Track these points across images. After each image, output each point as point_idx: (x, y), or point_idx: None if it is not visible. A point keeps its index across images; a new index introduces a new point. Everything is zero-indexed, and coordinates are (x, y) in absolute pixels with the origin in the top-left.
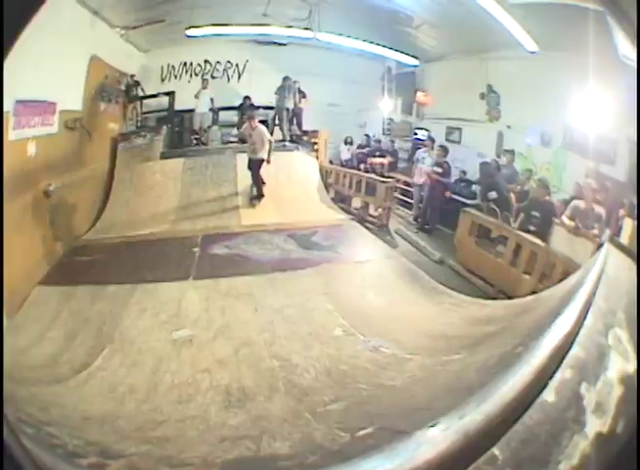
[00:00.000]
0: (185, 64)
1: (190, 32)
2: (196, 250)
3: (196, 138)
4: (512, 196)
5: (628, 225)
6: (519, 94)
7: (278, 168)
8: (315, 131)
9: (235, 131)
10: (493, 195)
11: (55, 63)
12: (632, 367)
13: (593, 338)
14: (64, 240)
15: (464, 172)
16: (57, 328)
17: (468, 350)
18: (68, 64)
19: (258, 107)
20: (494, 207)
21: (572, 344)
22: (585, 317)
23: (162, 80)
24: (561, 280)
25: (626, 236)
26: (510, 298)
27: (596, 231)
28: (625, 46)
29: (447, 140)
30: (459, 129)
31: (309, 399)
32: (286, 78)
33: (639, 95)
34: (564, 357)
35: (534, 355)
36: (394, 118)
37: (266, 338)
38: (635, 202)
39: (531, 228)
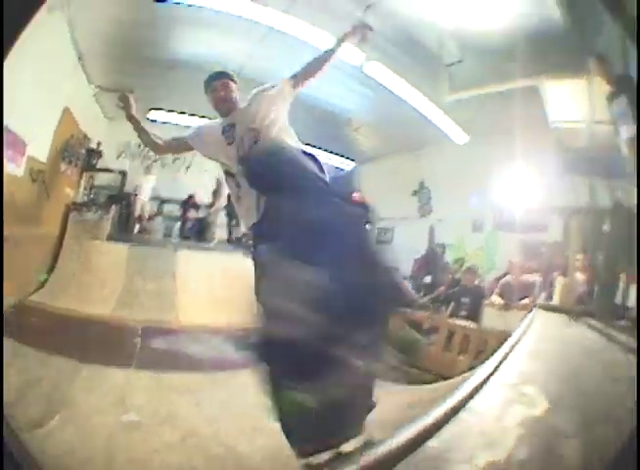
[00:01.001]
0: (140, 145)
1: (151, 115)
2: (136, 340)
3: (140, 226)
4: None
5: (560, 284)
6: (449, 186)
7: (218, 268)
8: None
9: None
10: (428, 279)
11: (33, 98)
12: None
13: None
14: (12, 293)
15: (396, 270)
16: (7, 381)
17: None
18: (44, 106)
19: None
20: (424, 301)
21: None
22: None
23: (118, 157)
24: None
25: (558, 295)
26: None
27: (527, 301)
28: (555, 112)
29: (379, 241)
30: (391, 229)
31: None
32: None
33: (639, 97)
34: None
35: None
36: None
37: (214, 429)
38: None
39: (462, 313)
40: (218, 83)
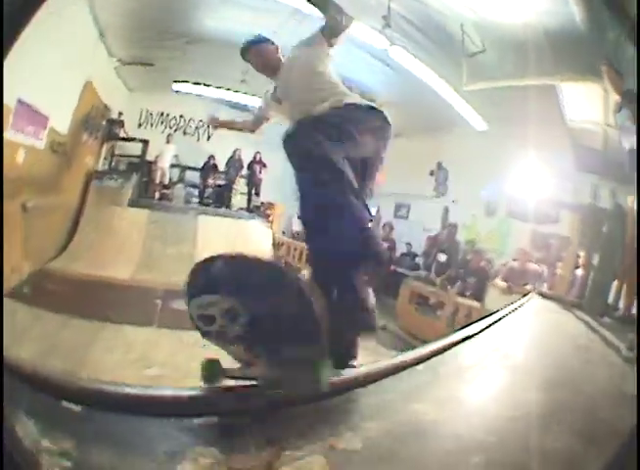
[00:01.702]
0: (162, 114)
1: (176, 87)
2: (157, 302)
3: (161, 192)
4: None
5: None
6: (466, 169)
7: (235, 235)
8: (271, 203)
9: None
10: (443, 258)
11: (55, 74)
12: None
13: None
14: (33, 259)
15: (410, 244)
16: (28, 345)
17: None
18: (65, 81)
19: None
20: (432, 277)
21: None
22: None
23: (139, 126)
24: None
25: (557, 285)
26: None
27: (529, 287)
28: (571, 110)
29: (396, 216)
30: (407, 205)
31: None
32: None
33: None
34: None
35: None
36: None
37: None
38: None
39: (467, 293)
40: (252, 52)
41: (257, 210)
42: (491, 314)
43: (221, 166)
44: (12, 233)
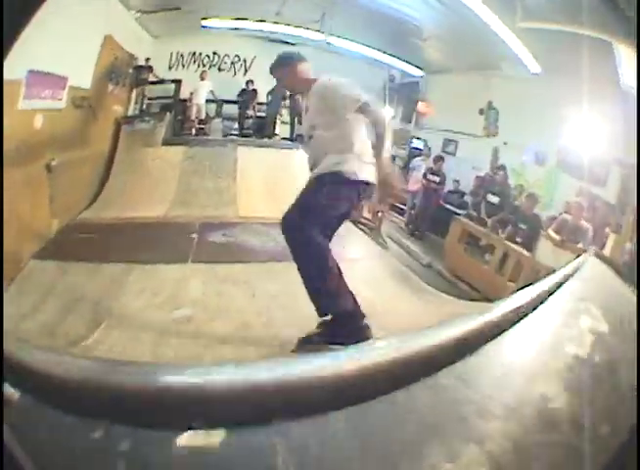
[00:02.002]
0: (194, 54)
1: (205, 23)
2: (193, 236)
3: (197, 128)
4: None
5: (611, 240)
6: (517, 112)
7: (277, 166)
8: None
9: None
10: (495, 200)
11: (70, 37)
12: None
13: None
14: (61, 216)
15: (457, 182)
16: (52, 301)
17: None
18: (82, 40)
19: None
20: (485, 217)
21: None
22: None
23: (170, 68)
24: None
25: (609, 249)
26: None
27: (581, 245)
28: (627, 75)
29: (444, 151)
30: (455, 142)
31: None
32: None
33: (639, 95)
34: None
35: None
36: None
37: (264, 321)
38: (622, 223)
39: (518, 240)
40: (283, 72)
41: (301, 138)
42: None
43: (262, 98)
44: (36, 196)
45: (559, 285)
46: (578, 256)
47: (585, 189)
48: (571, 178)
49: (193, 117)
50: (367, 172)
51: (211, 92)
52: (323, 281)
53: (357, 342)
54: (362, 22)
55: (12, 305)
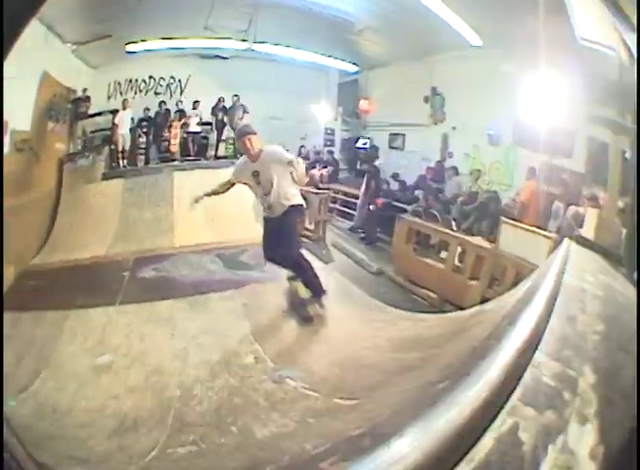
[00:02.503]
0: (130, 80)
1: (130, 48)
2: (125, 274)
3: (128, 159)
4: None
5: (592, 217)
6: (464, 94)
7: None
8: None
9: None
10: (447, 190)
11: (9, 79)
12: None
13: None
14: (15, 263)
15: (403, 181)
16: (8, 351)
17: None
18: (20, 81)
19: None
20: (434, 211)
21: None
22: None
23: (109, 98)
24: (515, 284)
25: (591, 228)
26: (458, 307)
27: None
28: (585, 27)
29: (390, 147)
30: (402, 135)
31: (179, 437)
32: (236, 96)
33: (639, 94)
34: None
35: (462, 393)
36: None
37: (177, 366)
38: (597, 194)
39: (480, 230)
40: (244, 139)
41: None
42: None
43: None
44: None
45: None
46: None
47: (550, 162)
48: (532, 153)
49: (120, 149)
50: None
51: (132, 120)
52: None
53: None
54: (289, 24)
55: None
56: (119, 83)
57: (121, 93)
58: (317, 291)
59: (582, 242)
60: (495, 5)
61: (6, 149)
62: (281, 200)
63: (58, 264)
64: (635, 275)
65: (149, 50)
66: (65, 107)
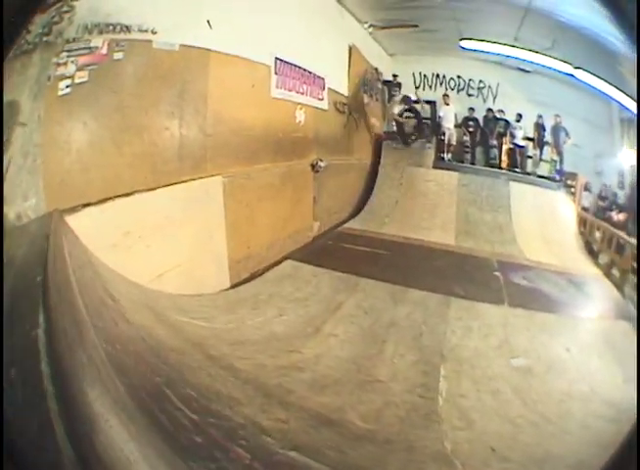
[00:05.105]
0: (438, 76)
1: (464, 44)
2: (497, 274)
3: (452, 155)
4: None
5: None
6: None
7: (545, 208)
8: (574, 174)
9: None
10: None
11: (315, 37)
12: None
13: None
14: (322, 220)
15: None
16: (342, 323)
17: None
18: (329, 44)
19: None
20: None
21: None
22: None
23: (417, 88)
24: None
25: None
26: None
27: None
28: None
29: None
30: None
31: None
32: (558, 117)
33: (639, 94)
34: None
35: None
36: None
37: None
38: None
39: None
40: None
41: (562, 180)
42: None
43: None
44: (302, 193)
45: None
46: None
47: None
48: None
49: (446, 142)
50: None
51: (455, 116)
52: None
53: None
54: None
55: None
56: (425, 76)
57: (430, 87)
58: None
59: None
60: None
61: (325, 105)
62: None
63: (394, 237)
64: None
65: (476, 50)
66: (376, 86)
